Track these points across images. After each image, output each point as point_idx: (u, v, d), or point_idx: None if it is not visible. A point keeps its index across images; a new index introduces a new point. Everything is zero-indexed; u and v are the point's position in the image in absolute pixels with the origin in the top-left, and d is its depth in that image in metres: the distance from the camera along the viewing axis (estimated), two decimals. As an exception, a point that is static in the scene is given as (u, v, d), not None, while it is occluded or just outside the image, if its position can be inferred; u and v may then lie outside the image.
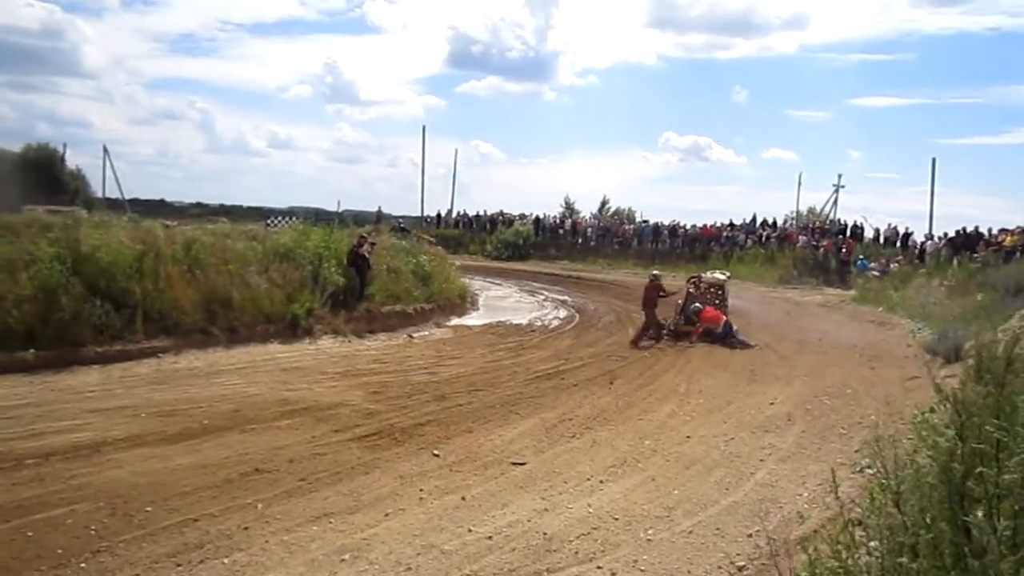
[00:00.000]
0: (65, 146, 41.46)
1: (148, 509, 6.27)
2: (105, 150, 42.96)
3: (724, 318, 17.13)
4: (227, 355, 12.72)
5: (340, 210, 38.93)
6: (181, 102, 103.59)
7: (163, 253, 13.41)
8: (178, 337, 12.58)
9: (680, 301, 18.06)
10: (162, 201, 54.80)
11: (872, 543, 3.97)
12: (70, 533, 5.79)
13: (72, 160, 42.74)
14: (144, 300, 12.42)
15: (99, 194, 41.66)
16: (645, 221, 44.17)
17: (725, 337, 16.67)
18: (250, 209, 48.63)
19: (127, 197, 43.18)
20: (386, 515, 6.46)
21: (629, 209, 51.20)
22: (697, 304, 17.69)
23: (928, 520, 2.50)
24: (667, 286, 18.19)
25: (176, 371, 11.50)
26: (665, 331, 17.10)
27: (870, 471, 7.36)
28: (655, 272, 19.04)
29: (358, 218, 37.05)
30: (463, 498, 6.91)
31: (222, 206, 51.27)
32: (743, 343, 16.55)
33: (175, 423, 8.68)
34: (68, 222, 13.50)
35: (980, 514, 2.25)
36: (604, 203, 53.15)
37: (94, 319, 11.63)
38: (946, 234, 31.61)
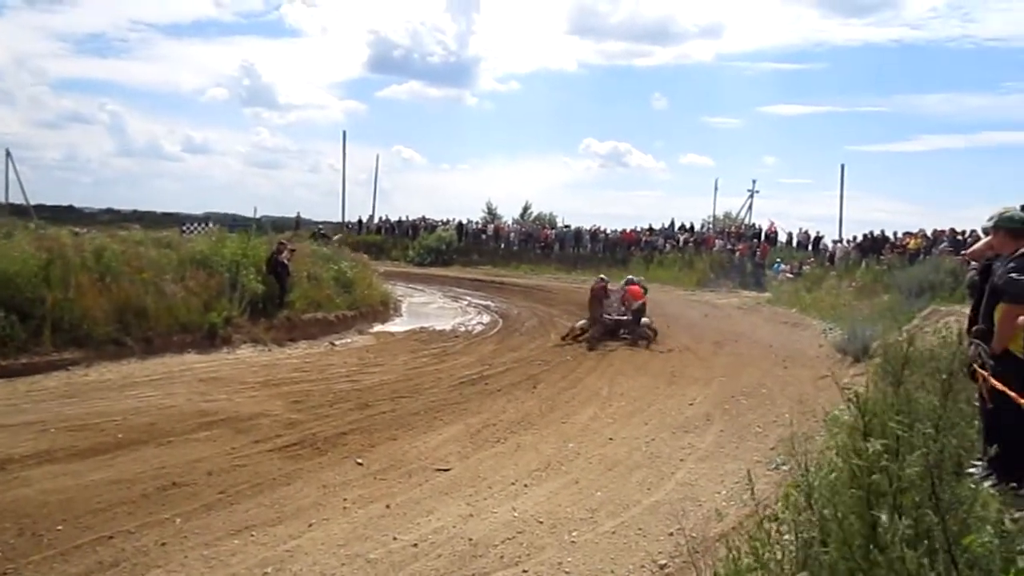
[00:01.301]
0: (-37, 150, 39.58)
1: (59, 528, 6.03)
2: (8, 154, 41.15)
3: (643, 300, 17.86)
4: (142, 366, 12.34)
5: (257, 216, 38.18)
6: (90, 104, 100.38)
7: (72, 261, 12.93)
8: (89, 349, 12.13)
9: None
10: (71, 207, 52.89)
11: (787, 537, 4.13)
12: (-26, 556, 5.54)
13: (-29, 164, 40.81)
14: (52, 311, 11.93)
15: (2, 200, 39.92)
16: (567, 226, 44.68)
17: (636, 323, 17.46)
18: (164, 215, 47.17)
19: (32, 203, 41.37)
20: (309, 526, 6.38)
21: (550, 214, 51.78)
22: (631, 276, 19.01)
23: (839, 515, 2.62)
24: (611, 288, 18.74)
25: (87, 384, 11.09)
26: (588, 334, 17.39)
27: (785, 468, 7.62)
28: (603, 276, 20.05)
29: (277, 224, 36.45)
30: (388, 506, 6.88)
31: (135, 212, 49.65)
32: (644, 336, 17.30)
33: (87, 438, 8.37)
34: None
35: (884, 510, 2.37)
36: (526, 208, 53.70)
37: (-3, 331, 11.13)
38: (855, 237, 32.90)
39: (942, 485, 2.34)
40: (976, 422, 4.94)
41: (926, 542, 2.27)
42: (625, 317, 17.74)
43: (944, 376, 2.96)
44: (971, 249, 6.07)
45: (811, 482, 3.23)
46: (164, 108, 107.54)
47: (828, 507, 2.93)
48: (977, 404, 4.71)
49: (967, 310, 10.95)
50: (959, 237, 25.86)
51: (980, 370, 4.38)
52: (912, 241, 28.35)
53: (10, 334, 11.25)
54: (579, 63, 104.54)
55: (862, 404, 2.68)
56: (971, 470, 4.12)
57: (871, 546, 2.34)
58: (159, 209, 54.26)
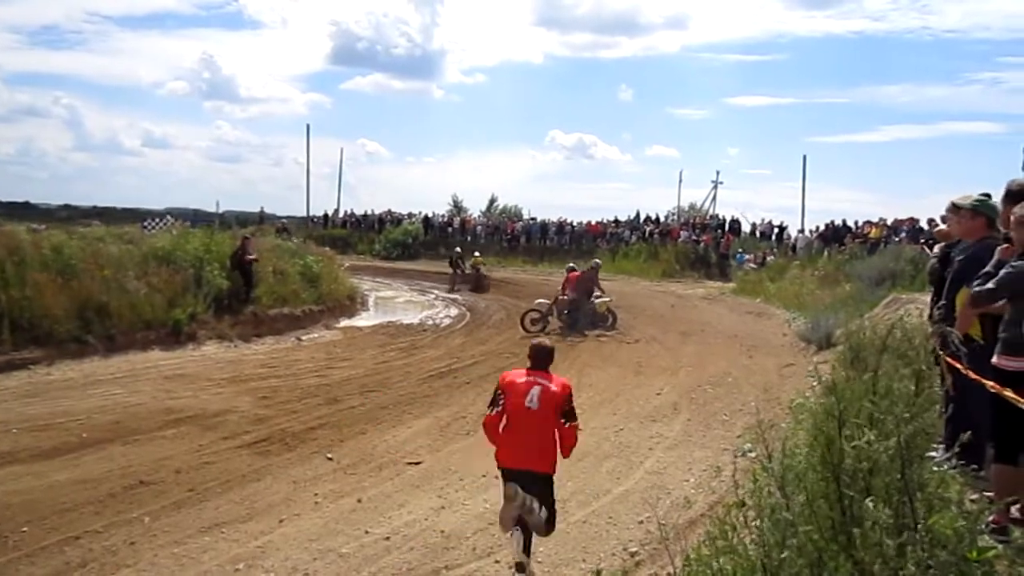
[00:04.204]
0: (-86, 146, 38.66)
1: (24, 529, 5.95)
2: (-39, 150, 40.19)
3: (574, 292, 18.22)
4: (105, 364, 12.17)
5: (219, 211, 37.81)
6: (45, 98, 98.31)
7: (30, 258, 12.70)
8: (50, 347, 11.94)
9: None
10: (27, 204, 51.85)
11: (755, 522, 4.19)
12: (-63, 559, 5.45)
13: (-78, 160, 39.92)
14: (10, 309, 11.72)
15: (-46, 196, 39.03)
16: (533, 219, 44.68)
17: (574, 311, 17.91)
18: (125, 211, 46.42)
19: (-13, 200, 40.58)
20: (280, 522, 6.36)
21: (516, 207, 51.80)
22: (571, 265, 19.94)
23: (809, 498, 2.68)
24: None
25: (50, 383, 10.91)
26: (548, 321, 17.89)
27: (752, 455, 7.73)
28: (597, 260, 21.02)
29: (240, 219, 36.08)
30: (359, 500, 6.88)
31: (94, 208, 48.79)
32: (601, 327, 17.84)
33: (50, 438, 8.25)
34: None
35: (855, 492, 2.44)
36: (492, 201, 53.71)
37: (-47, 330, 10.90)
38: (817, 227, 33.31)
39: (912, 468, 2.41)
40: (937, 407, 5.07)
41: (893, 522, 2.33)
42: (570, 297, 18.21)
43: (919, 363, 3.02)
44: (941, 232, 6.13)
45: (779, 467, 3.29)
46: (122, 102, 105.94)
47: (798, 491, 2.99)
48: (940, 390, 4.82)
49: (927, 298, 11.21)
50: (919, 226, 26.31)
51: (946, 357, 4.47)
52: (873, 230, 28.79)
53: (-32, 333, 11.02)
54: (545, 55, 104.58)
55: (837, 390, 2.74)
56: (931, 453, 4.23)
57: (843, 527, 2.40)
58: (119, 205, 53.31)
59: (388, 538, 6.05)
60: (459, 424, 9.60)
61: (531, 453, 5.24)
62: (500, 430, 5.32)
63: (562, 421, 5.28)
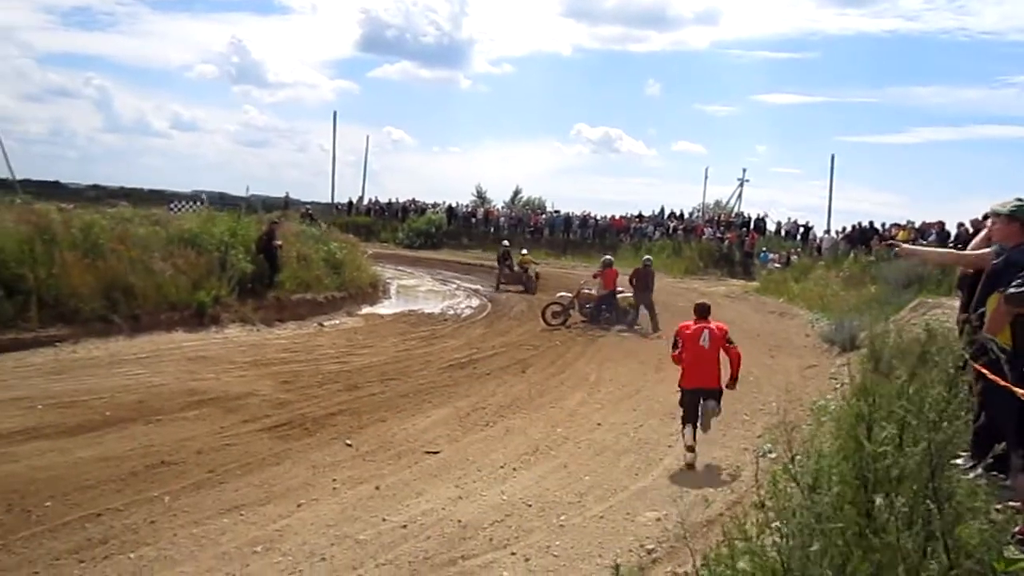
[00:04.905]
0: (-51, 123, 39.16)
1: (47, 504, 6.02)
2: (-6, 128, 40.64)
3: (615, 288, 18.15)
4: (130, 344, 12.28)
5: (247, 195, 37.94)
6: (76, 79, 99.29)
7: (59, 237, 12.83)
8: (77, 326, 12.05)
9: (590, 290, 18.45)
10: (56, 183, 52.20)
11: (775, 524, 4.16)
12: (-38, 531, 5.53)
13: (-44, 137, 40.37)
14: (39, 287, 11.84)
15: (-13, 174, 39.41)
16: (557, 211, 44.61)
17: (604, 308, 17.81)
18: (152, 192, 46.66)
19: (17, 178, 40.95)
20: (299, 506, 6.39)
21: (540, 199, 51.71)
22: (608, 257, 19.10)
23: (835, 501, 2.64)
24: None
25: (75, 361, 11.03)
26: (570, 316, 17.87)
27: (772, 456, 7.68)
28: (648, 257, 20.31)
29: (265, 203, 36.20)
30: (377, 487, 6.90)
31: (121, 189, 49.11)
32: (623, 323, 17.73)
33: (75, 415, 8.34)
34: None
35: (880, 497, 2.40)
36: (516, 193, 53.65)
37: (-17, 306, 11.03)
38: (844, 228, 32.96)
39: (941, 475, 2.37)
40: (967, 414, 4.99)
41: (921, 529, 2.30)
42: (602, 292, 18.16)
43: (951, 368, 2.97)
44: (974, 253, 5.96)
45: (804, 469, 3.25)
46: (152, 84, 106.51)
47: (821, 493, 2.95)
48: (970, 398, 4.73)
49: (955, 302, 11.06)
50: (947, 229, 25.96)
51: (979, 364, 4.40)
52: (900, 233, 28.38)
53: (-4, 309, 11.15)
54: (574, 47, 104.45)
55: (867, 392, 2.70)
56: (956, 461, 4.17)
57: (869, 532, 2.37)
58: (146, 186, 53.63)
59: (405, 526, 6.06)
60: (478, 415, 9.61)
61: (706, 377, 8.04)
62: (683, 362, 8.11)
63: (728, 345, 8.11)
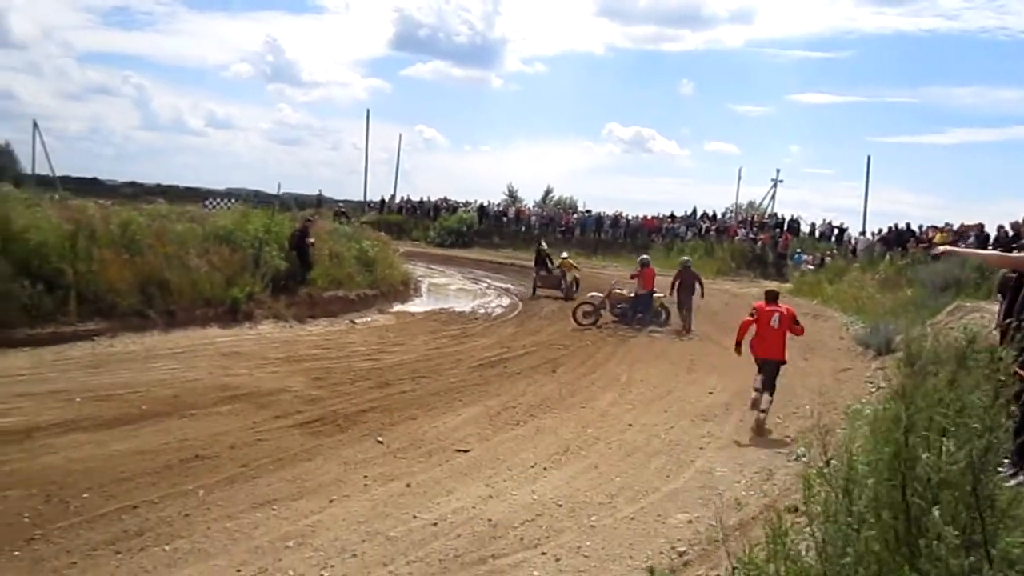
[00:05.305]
0: (-8, 120, 40.01)
1: (84, 496, 6.13)
2: (35, 125, 41.32)
3: (653, 288, 18.00)
4: (165, 339, 12.45)
5: (280, 192, 38.35)
6: (115, 77, 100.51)
7: (98, 233, 13.05)
8: (114, 320, 12.24)
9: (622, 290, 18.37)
10: (95, 180, 53.06)
11: (809, 528, 4.10)
12: (3, 521, 5.62)
13: (-1, 135, 41.23)
14: (78, 281, 12.04)
15: (28, 171, 40.18)
16: (588, 211, 44.45)
17: (640, 309, 17.71)
18: (187, 189, 47.38)
19: (57, 174, 41.70)
20: (330, 501, 6.43)
21: (571, 198, 51.56)
22: (646, 256, 19.04)
23: (873, 505, 2.60)
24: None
25: (112, 355, 11.21)
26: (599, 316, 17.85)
27: (805, 459, 7.59)
28: (687, 258, 20.26)
29: (299, 201, 36.57)
30: (408, 485, 6.92)
31: (158, 186, 49.83)
32: (655, 323, 17.74)
33: (111, 408, 8.48)
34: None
35: (921, 502, 2.36)
36: (548, 192, 53.53)
37: (24, 300, 11.20)
38: (880, 230, 32.48)
39: (984, 483, 2.32)
40: (1004, 420, 4.88)
41: (961, 538, 2.26)
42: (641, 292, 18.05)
43: (994, 374, 2.90)
44: (1021, 256, 5.83)
45: (839, 473, 3.21)
46: (188, 82, 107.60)
47: (858, 498, 2.91)
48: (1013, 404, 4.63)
49: (994, 307, 10.85)
50: (986, 232, 25.49)
51: (1021, 372, 4.31)
52: (937, 235, 27.89)
53: (37, 303, 11.34)
54: (606, 46, 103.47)
55: (906, 396, 2.65)
56: (999, 469, 4.08)
57: (908, 538, 2.33)
58: (182, 183, 54.32)
59: (436, 524, 6.07)
60: (509, 414, 9.61)
61: (775, 350, 9.72)
62: (753, 335, 9.85)
63: (794, 325, 9.90)
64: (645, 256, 19.19)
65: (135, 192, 42.50)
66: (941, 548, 2.17)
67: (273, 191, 42.65)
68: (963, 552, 2.20)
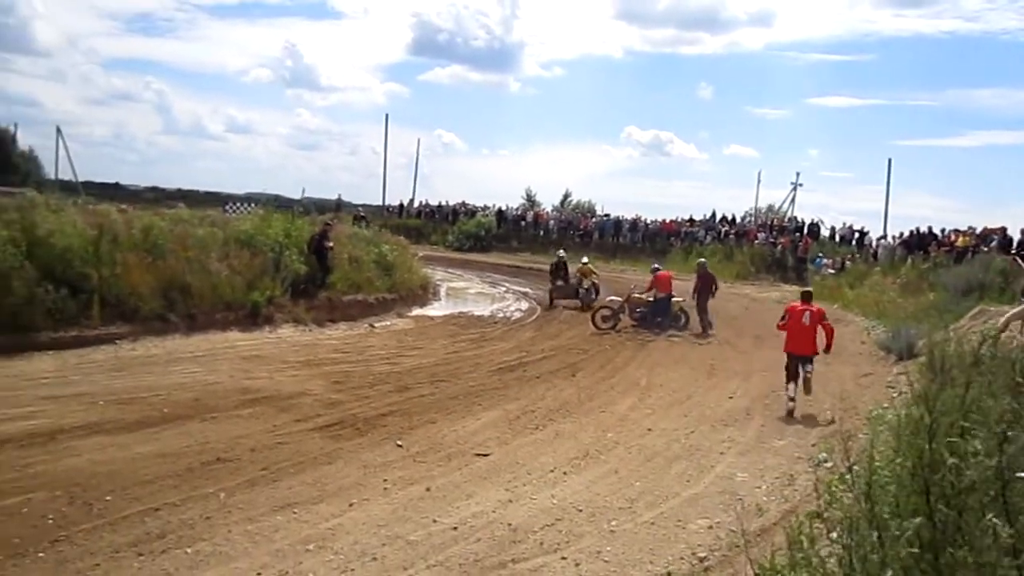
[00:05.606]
0: (16, 126, 40.63)
1: (108, 498, 6.18)
2: (59, 131, 41.87)
3: (671, 292, 17.96)
4: (186, 342, 12.56)
5: (302, 197, 38.55)
6: (137, 83, 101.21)
7: (121, 238, 13.18)
8: (136, 324, 12.37)
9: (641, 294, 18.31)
10: (117, 184, 53.65)
11: (831, 534, 4.07)
12: (27, 522, 5.68)
13: (23, 140, 41.78)
14: (100, 286, 12.18)
15: (51, 176, 40.67)
16: (606, 215, 44.34)
17: (659, 313, 17.64)
18: (207, 194, 47.75)
19: (80, 180, 42.17)
20: (350, 505, 6.45)
21: (589, 202, 51.47)
22: (656, 265, 19.22)
23: (897, 513, 2.58)
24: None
25: (134, 358, 11.32)
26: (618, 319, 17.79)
27: (827, 465, 7.54)
28: (702, 260, 20.49)
29: (318, 206, 36.71)
30: (427, 489, 6.93)
31: (179, 191, 50.25)
32: (674, 327, 17.63)
33: (134, 411, 8.56)
34: (23, 204, 13.09)
35: (945, 508, 2.34)
36: (566, 196, 53.42)
37: (48, 304, 11.35)
38: (901, 234, 32.19)
39: (1012, 488, 2.30)
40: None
41: (992, 544, 2.23)
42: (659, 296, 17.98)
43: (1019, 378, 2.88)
44: None
45: (862, 479, 3.18)
46: (208, 88, 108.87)
47: (882, 504, 2.88)
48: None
49: (1018, 310, 10.72)
50: (1009, 236, 25.22)
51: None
52: (960, 239, 27.66)
53: (60, 307, 11.48)
54: (625, 50, 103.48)
55: (928, 402, 2.63)
56: (1021, 474, 4.03)
57: (933, 544, 2.30)
58: (202, 188, 54.80)
59: (455, 528, 6.07)
60: (528, 418, 9.60)
61: (806, 346, 10.61)
62: (787, 332, 10.75)
63: (824, 323, 10.69)
64: (655, 265, 19.43)
65: (156, 197, 42.86)
66: (972, 555, 2.14)
67: (292, 195, 42.85)
68: (992, 558, 2.18)
